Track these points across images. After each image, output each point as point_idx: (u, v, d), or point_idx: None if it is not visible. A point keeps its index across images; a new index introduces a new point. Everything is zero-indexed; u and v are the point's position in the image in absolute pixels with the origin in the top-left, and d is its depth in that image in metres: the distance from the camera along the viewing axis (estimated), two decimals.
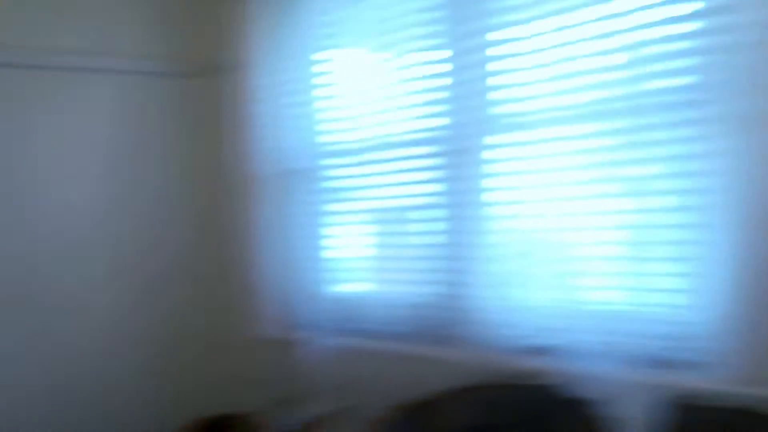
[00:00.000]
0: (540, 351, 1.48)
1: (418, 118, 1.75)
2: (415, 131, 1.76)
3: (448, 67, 1.68)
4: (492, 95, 1.60)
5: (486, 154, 1.61)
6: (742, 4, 1.18)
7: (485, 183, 1.61)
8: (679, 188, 1.31)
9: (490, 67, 1.60)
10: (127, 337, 2.19)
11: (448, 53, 1.68)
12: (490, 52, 1.59)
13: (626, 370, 1.32)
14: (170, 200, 2.28)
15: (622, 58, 1.35)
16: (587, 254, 1.42)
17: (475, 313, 1.63)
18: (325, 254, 2.03)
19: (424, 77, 1.73)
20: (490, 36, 1.58)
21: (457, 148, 1.67)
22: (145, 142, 2.22)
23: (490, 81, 1.60)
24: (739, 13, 1.19)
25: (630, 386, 1.29)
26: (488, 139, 1.60)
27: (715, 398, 1.21)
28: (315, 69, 1.99)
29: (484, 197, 1.61)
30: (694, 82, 1.27)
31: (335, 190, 1.98)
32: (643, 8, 1.32)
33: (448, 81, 1.68)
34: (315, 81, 2.00)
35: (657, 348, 1.32)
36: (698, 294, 1.29)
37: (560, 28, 1.44)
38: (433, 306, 1.76)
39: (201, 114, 2.33)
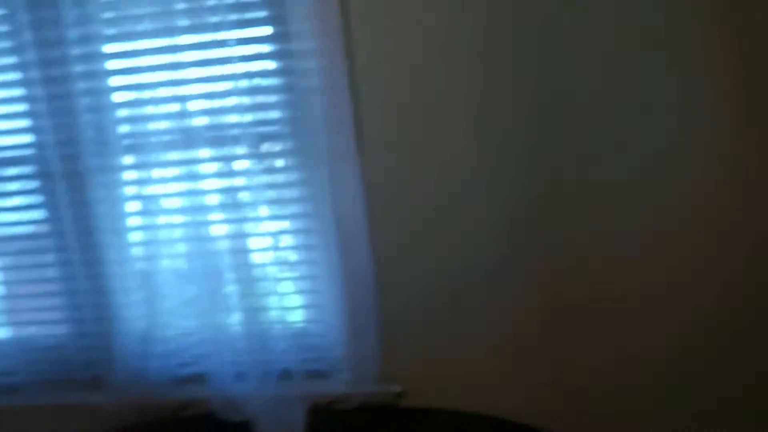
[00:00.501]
0: (193, 379, 1.46)
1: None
2: (3, 148, 1.50)
3: (20, 75, 1.44)
4: (101, 113, 1.43)
5: (103, 177, 1.45)
6: (311, 52, 1.30)
7: (110, 207, 1.46)
8: (286, 214, 1.42)
9: (94, 82, 1.42)
10: None
11: (16, 59, 1.43)
12: (89, 65, 1.41)
13: (273, 386, 1.38)
14: None
15: (218, 87, 1.37)
16: (225, 278, 1.41)
17: (122, 349, 1.49)
18: None
19: None
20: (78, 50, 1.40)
21: (64, 169, 1.45)
22: None
23: (96, 98, 1.43)
24: (310, 60, 1.31)
25: (276, 402, 1.35)
26: (104, 161, 1.43)
27: (344, 400, 1.37)
28: None
29: (112, 222, 1.46)
30: (279, 117, 1.38)
31: None
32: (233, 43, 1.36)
33: (24, 92, 1.45)
34: None
35: (297, 362, 1.40)
36: (320, 309, 1.43)
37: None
38: (72, 347, 1.56)
39: None
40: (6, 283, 1.59)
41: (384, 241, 1.35)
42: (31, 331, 1.56)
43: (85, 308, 1.51)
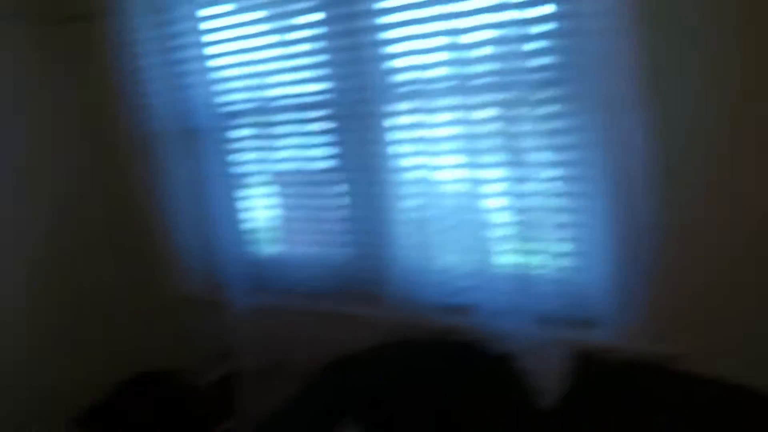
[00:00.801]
0: (459, 309, 1.57)
1: (303, 81, 1.72)
2: (305, 94, 1.73)
3: (322, 30, 1.64)
4: (384, 62, 1.58)
5: (384, 120, 1.60)
6: None
7: (389, 148, 1.61)
8: (558, 160, 1.40)
9: (379, 34, 1.56)
10: (50, 302, 2.18)
11: (320, 16, 1.62)
12: (376, 18, 1.55)
13: (534, 327, 1.42)
14: (65, 159, 2.20)
15: (493, 34, 1.39)
16: (495, 219, 1.48)
17: (396, 273, 1.66)
18: (244, 215, 2.01)
19: (301, 40, 1.69)
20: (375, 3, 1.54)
21: (353, 112, 1.64)
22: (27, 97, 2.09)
23: (380, 48, 1.57)
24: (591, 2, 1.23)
25: (538, 342, 1.40)
26: (385, 106, 1.58)
27: (609, 353, 1.35)
28: (199, 24, 1.85)
29: (391, 161, 1.62)
30: (556, 62, 1.35)
31: (241, 150, 1.94)
32: None
33: (324, 44, 1.65)
34: (203, 37, 1.86)
35: (559, 307, 1.44)
36: (587, 257, 1.41)
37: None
38: (355, 266, 1.80)
39: (84, 66, 2.16)
40: (305, 207, 1.87)
41: (668, 193, 1.26)
42: (323, 250, 1.83)
43: (366, 235, 1.72)
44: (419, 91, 1.50)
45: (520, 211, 1.43)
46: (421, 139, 1.53)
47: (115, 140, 2.20)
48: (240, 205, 1.98)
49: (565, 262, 1.44)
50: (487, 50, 1.40)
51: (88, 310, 2.29)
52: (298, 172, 1.86)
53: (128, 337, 2.40)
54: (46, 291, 2.16)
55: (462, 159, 1.47)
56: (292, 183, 1.90)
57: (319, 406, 1.53)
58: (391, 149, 1.60)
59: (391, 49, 1.55)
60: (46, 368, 2.16)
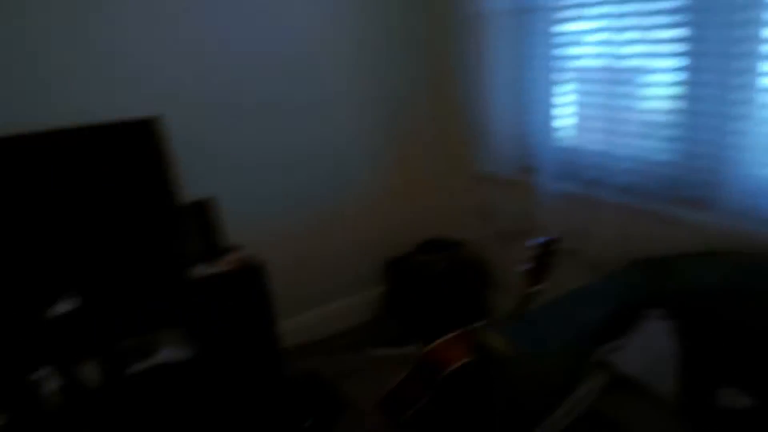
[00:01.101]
0: None
1: None
2: None
3: None
4: None
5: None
6: None
7: (746, 34, 1.38)
8: None
9: None
10: (378, 167, 2.51)
11: None
12: None
13: None
14: (400, 30, 2.37)
15: None
16: None
17: (738, 180, 1.48)
18: (562, 101, 1.96)
19: None
20: None
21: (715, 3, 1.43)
22: None
23: None
24: None
25: None
26: None
27: None
28: None
29: (747, 51, 1.39)
30: None
31: (568, 34, 1.87)
32: None
33: None
34: None
35: None
36: None
37: None
38: (681, 167, 1.65)
39: None
40: (631, 97, 1.74)
41: None
42: (645, 146, 1.72)
43: (705, 131, 1.55)
44: None
45: None
46: None
47: (444, 16, 2.33)
48: (559, 90, 1.95)
49: None
50: None
51: (407, 179, 2.61)
52: (637, 57, 1.72)
53: (438, 206, 2.69)
54: (378, 156, 2.51)
55: None
56: (618, 72, 1.77)
57: (625, 295, 1.55)
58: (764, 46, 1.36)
59: None
60: (372, 228, 2.60)
